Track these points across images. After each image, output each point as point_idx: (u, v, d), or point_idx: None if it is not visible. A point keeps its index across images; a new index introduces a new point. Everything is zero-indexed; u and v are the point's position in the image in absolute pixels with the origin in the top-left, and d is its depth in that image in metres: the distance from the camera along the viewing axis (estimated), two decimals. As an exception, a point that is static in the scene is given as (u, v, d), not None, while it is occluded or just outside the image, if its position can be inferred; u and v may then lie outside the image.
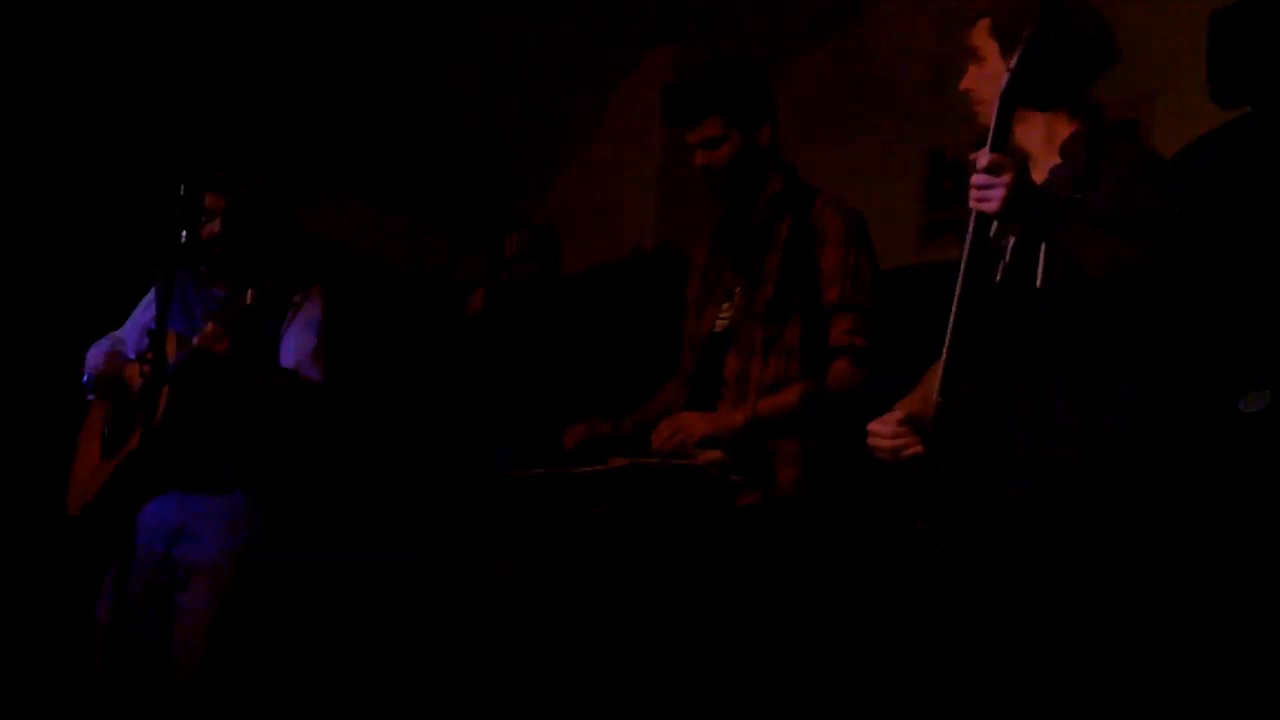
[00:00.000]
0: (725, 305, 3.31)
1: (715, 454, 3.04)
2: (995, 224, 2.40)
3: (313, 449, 3.62)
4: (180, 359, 3.36)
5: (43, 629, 4.27)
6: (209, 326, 3.35)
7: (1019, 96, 2.40)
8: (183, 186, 3.08)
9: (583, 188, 5.64)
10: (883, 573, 2.94)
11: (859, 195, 3.64)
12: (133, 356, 3.65)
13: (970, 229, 2.39)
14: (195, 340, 3.37)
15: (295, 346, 3.52)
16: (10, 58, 4.54)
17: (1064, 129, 2.57)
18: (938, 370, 2.61)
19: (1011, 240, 2.44)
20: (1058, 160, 2.56)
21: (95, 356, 3.62)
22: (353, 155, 5.19)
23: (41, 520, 3.92)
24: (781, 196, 3.25)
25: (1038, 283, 2.34)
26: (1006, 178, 2.31)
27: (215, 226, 3.53)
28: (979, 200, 2.34)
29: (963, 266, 2.39)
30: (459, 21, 5.33)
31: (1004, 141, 2.40)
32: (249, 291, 3.28)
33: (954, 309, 2.40)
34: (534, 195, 5.69)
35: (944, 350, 2.42)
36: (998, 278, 2.41)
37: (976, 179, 2.34)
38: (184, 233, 3.05)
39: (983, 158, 2.34)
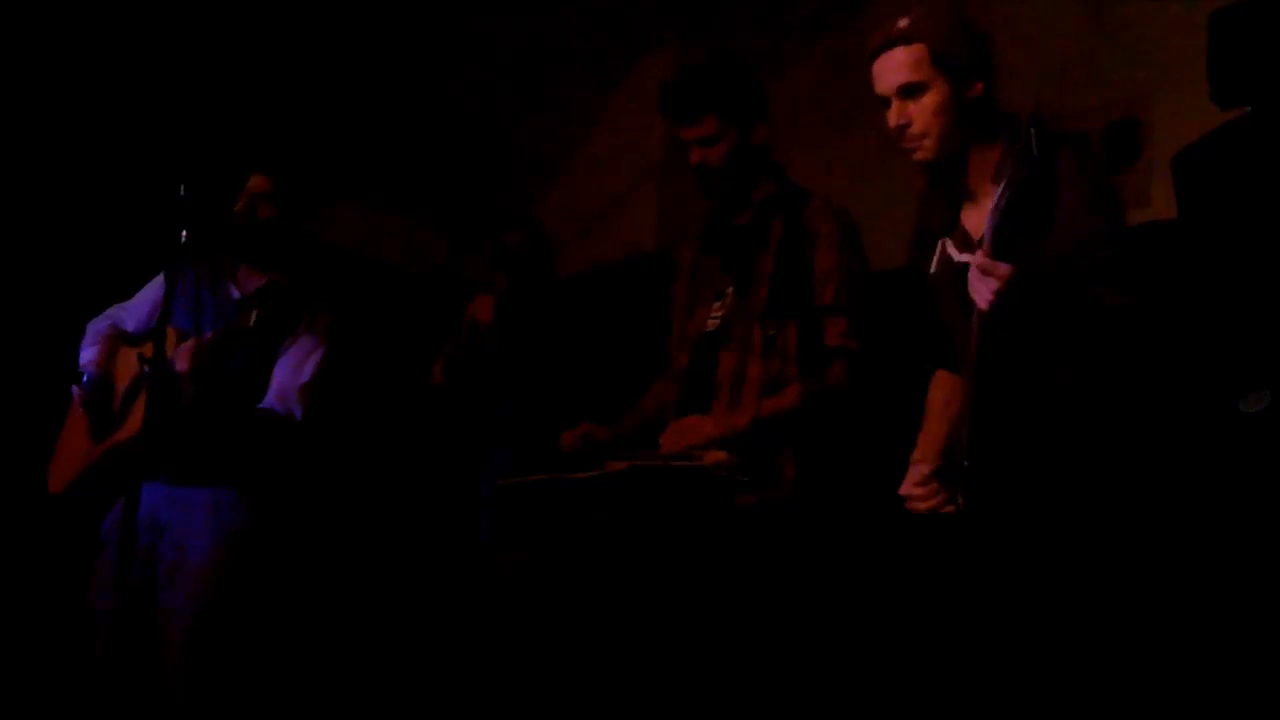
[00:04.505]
0: (716, 305, 3.32)
1: (720, 454, 3.05)
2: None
3: (304, 447, 3.59)
4: (150, 374, 3.32)
5: (20, 613, 4.28)
6: (185, 346, 3.32)
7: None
8: (182, 187, 3.08)
9: (583, 188, 5.65)
10: (882, 572, 2.95)
11: (859, 195, 3.65)
12: (132, 330, 3.63)
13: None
14: (172, 356, 3.33)
15: (288, 371, 3.48)
16: (24, 57, 4.56)
17: (990, 154, 2.54)
18: (938, 400, 2.62)
19: None
20: (995, 188, 2.47)
21: (88, 352, 3.59)
22: (352, 156, 5.19)
23: (25, 499, 3.91)
24: (774, 197, 3.26)
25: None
26: (994, 283, 2.30)
27: (269, 210, 3.51)
28: (974, 291, 2.34)
29: (974, 342, 2.39)
30: (459, 22, 5.32)
31: (1003, 247, 2.38)
32: (254, 312, 3.26)
33: (972, 374, 2.40)
34: (534, 195, 5.69)
35: (968, 411, 2.41)
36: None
37: (972, 271, 2.34)
38: (184, 233, 3.04)
39: (978, 257, 2.33)
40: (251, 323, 3.25)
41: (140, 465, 3.08)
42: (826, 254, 3.17)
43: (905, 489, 2.55)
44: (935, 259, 2.61)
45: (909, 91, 2.54)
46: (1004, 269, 2.30)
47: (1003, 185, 2.34)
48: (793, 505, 3.07)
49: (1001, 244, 2.35)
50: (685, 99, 3.25)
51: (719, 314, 3.29)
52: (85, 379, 3.54)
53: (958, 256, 2.53)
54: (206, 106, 4.79)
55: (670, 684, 2.93)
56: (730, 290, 3.28)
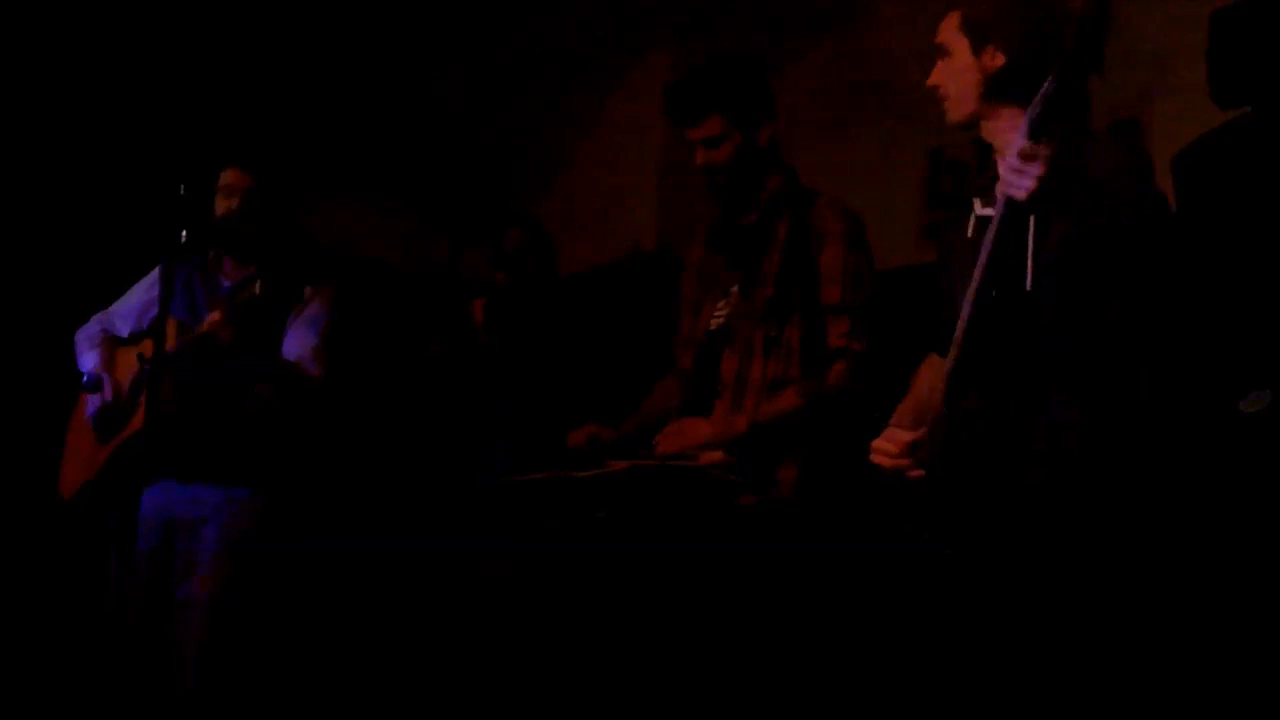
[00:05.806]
0: (721, 304, 3.31)
1: (716, 455, 3.05)
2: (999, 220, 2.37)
3: (313, 444, 3.61)
4: (182, 346, 3.35)
5: (35, 617, 4.27)
6: (214, 314, 3.35)
7: (1064, 96, 2.36)
8: (183, 186, 3.08)
9: (583, 188, 5.65)
10: (883, 573, 2.94)
11: (859, 195, 3.64)
12: (125, 335, 3.64)
13: (990, 234, 2.37)
14: (200, 328, 3.37)
15: (298, 343, 3.53)
16: (18, 56, 4.56)
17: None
18: (925, 376, 2.61)
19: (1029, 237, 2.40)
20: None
21: (90, 357, 3.60)
22: (353, 155, 5.20)
23: (34, 504, 3.91)
24: (781, 196, 3.25)
25: (1027, 285, 2.35)
26: (1038, 167, 2.25)
27: (235, 203, 3.53)
28: (1009, 186, 2.29)
29: (978, 274, 2.37)
30: (459, 21, 5.33)
31: (1043, 132, 2.35)
32: (257, 282, 3.29)
33: (964, 317, 2.39)
34: (534, 195, 5.69)
35: (951, 358, 2.41)
36: (978, 274, 2.39)
37: (1010, 162, 2.29)
38: (184, 231, 3.05)
39: (1018, 145, 2.30)
40: (258, 291, 3.28)
41: (143, 462, 3.09)
42: (832, 253, 3.16)
43: (876, 443, 2.56)
44: (971, 220, 2.60)
45: (939, 51, 2.61)
46: (1045, 150, 2.25)
47: (1049, 79, 2.32)
48: (790, 506, 3.07)
49: (1042, 133, 2.32)
50: (689, 100, 3.25)
51: (723, 313, 3.29)
52: (90, 383, 3.55)
53: (979, 210, 2.54)
54: (210, 104, 4.80)
55: (667, 683, 2.93)
56: (735, 289, 3.28)
